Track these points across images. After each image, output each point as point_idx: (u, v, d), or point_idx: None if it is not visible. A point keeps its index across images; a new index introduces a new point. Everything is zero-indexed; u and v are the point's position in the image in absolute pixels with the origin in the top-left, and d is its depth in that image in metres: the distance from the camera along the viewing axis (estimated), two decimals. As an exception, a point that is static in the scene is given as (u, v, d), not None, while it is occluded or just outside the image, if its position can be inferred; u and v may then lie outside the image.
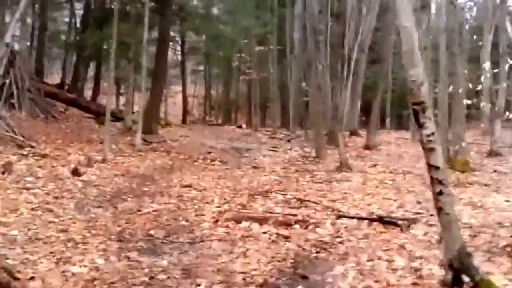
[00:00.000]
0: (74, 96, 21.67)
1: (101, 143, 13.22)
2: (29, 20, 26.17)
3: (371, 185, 10.39)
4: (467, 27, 28.54)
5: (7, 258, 4.68)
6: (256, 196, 8.75)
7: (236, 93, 40.45)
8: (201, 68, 42.93)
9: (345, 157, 12.50)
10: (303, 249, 5.86)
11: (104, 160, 10.72)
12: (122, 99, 37.36)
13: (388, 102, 32.20)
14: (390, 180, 11.21)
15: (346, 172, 12.10)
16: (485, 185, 10.47)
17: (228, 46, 26.17)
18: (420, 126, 4.56)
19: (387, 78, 19.16)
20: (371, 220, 7.24)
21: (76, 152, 11.91)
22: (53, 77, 34.52)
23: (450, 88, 14.12)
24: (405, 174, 12.19)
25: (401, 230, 6.96)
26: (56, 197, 7.48)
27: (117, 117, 20.56)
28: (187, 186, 9.34)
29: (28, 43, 26.74)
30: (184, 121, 30.90)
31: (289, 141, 20.42)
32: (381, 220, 7.22)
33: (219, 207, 7.84)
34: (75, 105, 21.07)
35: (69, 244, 5.35)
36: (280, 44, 28.55)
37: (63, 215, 6.60)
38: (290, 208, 7.96)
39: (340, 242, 6.17)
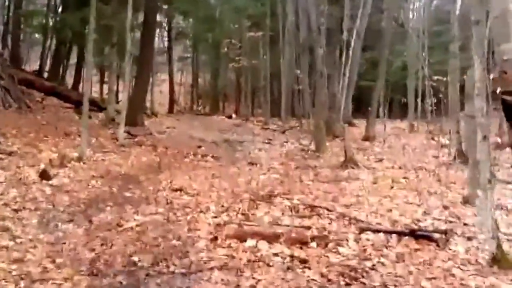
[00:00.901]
0: (52, 84, 20.07)
1: (79, 136, 11.81)
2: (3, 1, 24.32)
3: (383, 185, 9.15)
4: None
5: None
6: (258, 202, 7.45)
7: (224, 81, 38.96)
8: (189, 55, 41.53)
9: (351, 151, 11.24)
10: (328, 279, 4.59)
11: (80, 159, 9.32)
12: (106, 88, 36.10)
13: (381, 91, 31.04)
14: (403, 178, 10.01)
15: (352, 168, 10.87)
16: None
17: (218, 30, 24.72)
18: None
19: (383, 65, 17.75)
20: (401, 234, 5.99)
21: (49, 149, 10.49)
22: (34, 64, 32.83)
23: None
24: (417, 171, 11.00)
25: (438, 246, 5.74)
26: (16, 210, 6.10)
27: (99, 106, 19.09)
28: (177, 189, 8.00)
29: (2, 26, 24.96)
30: (170, 110, 29.44)
31: (283, 132, 19.16)
32: (413, 233, 5.98)
33: (216, 217, 6.53)
34: (53, 94, 19.51)
35: (22, 284, 4.00)
36: (271, 30, 27.20)
37: (21, 236, 5.24)
38: (300, 217, 6.67)
39: (372, 268, 4.91)
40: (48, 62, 27.13)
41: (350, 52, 18.09)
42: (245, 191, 8.30)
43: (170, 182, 8.51)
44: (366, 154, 14.04)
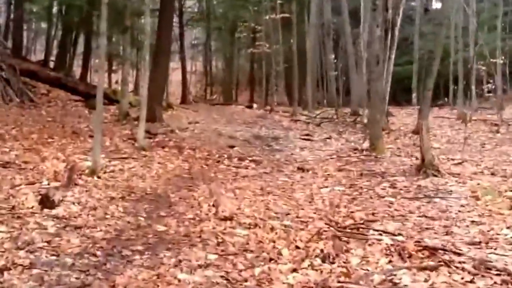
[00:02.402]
0: (58, 75, 18.00)
1: (90, 137, 9.73)
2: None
3: (495, 202, 6.95)
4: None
5: None
6: (343, 239, 5.30)
7: (237, 68, 36.67)
8: (200, 41, 39.34)
9: (430, 153, 9.02)
10: None
11: (93, 172, 7.19)
12: (114, 77, 33.97)
13: (414, 75, 28.68)
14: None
15: (434, 175, 8.66)
16: None
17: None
18: None
19: (439, 44, 15.41)
20: None
21: (54, 156, 8.39)
22: (40, 54, 30.75)
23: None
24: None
25: None
26: (1, 270, 3.99)
27: (110, 99, 17.03)
28: (226, 218, 5.87)
29: (4, 13, 22.88)
30: (183, 100, 27.18)
31: (318, 125, 16.95)
32: None
33: (296, 270, 4.41)
34: (60, 86, 17.48)
35: None
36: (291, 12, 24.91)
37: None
38: (419, 268, 4.50)
39: None
40: (55, 51, 25.09)
41: (396, 32, 15.78)
42: (315, 216, 6.18)
43: (213, 205, 6.36)
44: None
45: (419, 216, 6.37)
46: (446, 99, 26.71)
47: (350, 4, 23.55)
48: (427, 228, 5.86)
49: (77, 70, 24.68)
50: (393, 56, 15.91)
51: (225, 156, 10.20)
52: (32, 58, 27.15)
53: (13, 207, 5.52)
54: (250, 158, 10.14)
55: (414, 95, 28.41)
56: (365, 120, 17.88)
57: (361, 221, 6.02)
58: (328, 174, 9.04)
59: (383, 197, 7.34)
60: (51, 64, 22.48)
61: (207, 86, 35.34)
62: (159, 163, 8.93)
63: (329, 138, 13.68)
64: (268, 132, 14.92)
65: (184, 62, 29.23)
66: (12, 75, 15.02)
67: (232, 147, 11.47)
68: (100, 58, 7.15)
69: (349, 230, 5.67)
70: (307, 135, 14.24)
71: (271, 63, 24.78)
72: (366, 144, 11.75)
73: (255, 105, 24.45)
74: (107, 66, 35.17)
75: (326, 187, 8.00)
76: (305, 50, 22.99)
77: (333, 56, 25.14)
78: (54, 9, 24.48)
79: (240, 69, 37.85)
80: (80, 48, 24.88)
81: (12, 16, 21.22)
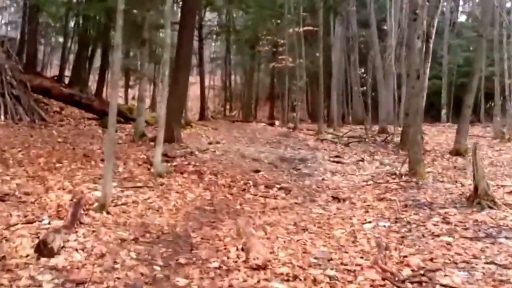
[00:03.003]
0: (71, 91, 17.24)
1: (102, 160, 8.83)
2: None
3: None
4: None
5: None
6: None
7: (257, 83, 35.78)
8: (219, 55, 38.66)
9: (484, 181, 7.90)
10: None
11: (102, 206, 6.23)
12: (131, 93, 33.32)
13: (444, 91, 27.50)
14: None
15: (490, 207, 7.56)
16: None
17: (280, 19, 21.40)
18: None
19: (479, 56, 14.29)
20: None
21: (60, 185, 7.48)
22: (56, 69, 30.21)
23: None
24: None
25: None
26: None
27: (126, 117, 16.25)
28: (257, 267, 4.86)
29: (19, 27, 22.30)
30: (201, 117, 26.26)
31: (347, 145, 15.89)
32: None
33: None
34: (73, 103, 16.73)
35: None
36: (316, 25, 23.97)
37: None
38: None
39: None
40: (71, 67, 24.45)
41: (431, 45, 14.76)
42: (363, 262, 5.15)
43: (242, 250, 5.36)
44: (467, 177, 10.76)
45: (487, 263, 5.30)
46: (478, 116, 25.48)
47: (378, 16, 22.66)
48: (501, 281, 4.81)
49: (93, 85, 24.03)
50: (427, 71, 14.91)
51: (251, 183, 9.19)
52: (48, 73, 26.60)
53: (4, 257, 4.56)
54: (278, 186, 9.12)
55: (443, 111, 27.20)
56: (396, 139, 16.86)
57: (420, 271, 4.98)
58: (368, 205, 7.99)
59: (438, 235, 6.26)
60: (67, 80, 21.82)
61: (226, 101, 34.50)
62: (177, 192, 7.96)
63: (362, 160, 12.60)
64: (293, 153, 13.90)
65: (203, 76, 28.40)
66: (23, 92, 14.30)
67: (257, 171, 10.47)
68: (114, 73, 6.22)
69: (410, 286, 4.63)
70: (336, 156, 13.19)
71: (293, 78, 23.92)
72: (404, 168, 10.66)
73: (277, 122, 23.54)
74: (124, 82, 34.70)
75: (369, 222, 6.95)
76: (329, 65, 22.05)
77: (361, 70, 24.08)
78: (71, 23, 23.95)
79: (260, 84, 36.99)
80: (97, 62, 24.24)
81: (26, 29, 20.61)
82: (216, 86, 46.30)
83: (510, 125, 17.79)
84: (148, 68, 16.70)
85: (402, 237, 6.25)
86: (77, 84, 20.16)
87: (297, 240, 5.94)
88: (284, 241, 5.87)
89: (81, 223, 5.66)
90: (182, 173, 9.36)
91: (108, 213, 6.22)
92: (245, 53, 31.65)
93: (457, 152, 13.77)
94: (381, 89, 21.90)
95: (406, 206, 7.94)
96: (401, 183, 9.77)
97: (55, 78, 21.59)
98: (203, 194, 8.13)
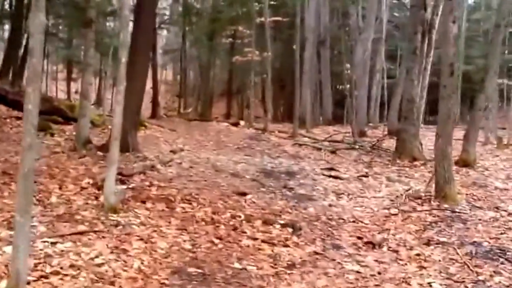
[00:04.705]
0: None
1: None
2: None
3: None
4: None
5: None
6: None
7: (213, 78, 33.03)
8: (170, 48, 35.84)
9: None
10: None
11: (16, 286, 3.50)
12: (74, 86, 29.92)
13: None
14: None
15: None
16: None
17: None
18: None
19: (495, 54, 12.20)
20: None
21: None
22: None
23: None
24: None
25: None
26: None
27: (66, 117, 13.33)
28: None
29: None
30: (153, 115, 23.21)
31: (334, 152, 13.53)
32: None
33: None
34: (-1, 99, 13.52)
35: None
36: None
37: None
38: None
39: None
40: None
41: (433, 36, 12.61)
42: None
43: None
44: (501, 198, 8.65)
45: None
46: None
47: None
48: None
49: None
50: (429, 66, 12.74)
51: (241, 216, 6.59)
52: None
53: None
54: (280, 220, 6.57)
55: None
56: (383, 145, 14.74)
57: None
58: (417, 255, 5.59)
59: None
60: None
61: (180, 97, 31.51)
62: (141, 239, 5.26)
63: (365, 176, 10.20)
64: (274, 163, 11.40)
65: (156, 70, 25.40)
66: None
67: (243, 194, 7.87)
68: (34, 56, 3.49)
69: None
70: (330, 169, 10.76)
71: (253, 74, 21.58)
72: (432, 187, 8.37)
73: (242, 122, 20.96)
74: (66, 74, 31.14)
75: (419, 284, 4.56)
76: (298, 60, 19.58)
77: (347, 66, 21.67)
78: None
79: (215, 79, 34.29)
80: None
81: None
82: (168, 81, 43.24)
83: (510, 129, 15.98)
84: (94, 57, 13.81)
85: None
86: (6, 76, 16.85)
87: None
88: None
89: None
90: (144, 202, 6.65)
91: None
92: (203, 44, 28.81)
93: (464, 162, 11.65)
94: (361, 89, 19.71)
95: (470, 255, 5.59)
96: (434, 211, 7.44)
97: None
98: (179, 240, 5.48)
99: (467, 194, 8.71)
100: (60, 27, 25.45)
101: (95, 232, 5.22)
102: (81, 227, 5.30)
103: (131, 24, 9.89)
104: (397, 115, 19.94)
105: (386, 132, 18.03)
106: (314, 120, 21.85)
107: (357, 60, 19.66)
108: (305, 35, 19.74)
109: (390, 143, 15.60)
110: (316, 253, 5.54)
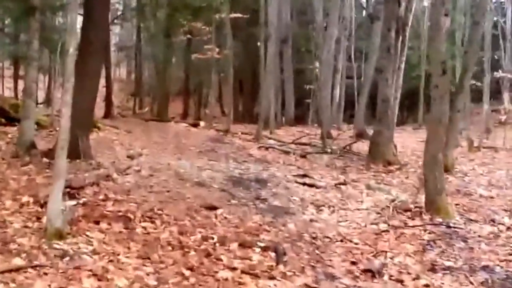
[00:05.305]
0: None
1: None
2: None
3: None
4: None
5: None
6: None
7: (169, 77, 31.77)
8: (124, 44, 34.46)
9: None
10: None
11: None
12: (21, 84, 28.01)
13: (421, 90, 24.52)
14: None
15: None
16: None
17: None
18: None
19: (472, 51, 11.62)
20: None
21: None
22: None
23: None
24: None
25: None
26: None
27: (10, 118, 12.07)
28: None
29: None
30: (107, 114, 21.81)
31: (304, 156, 12.71)
32: None
33: None
34: None
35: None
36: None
37: None
38: None
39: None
40: None
41: (407, 34, 11.98)
42: None
43: None
44: (491, 209, 8.02)
45: None
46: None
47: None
48: None
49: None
50: (403, 65, 12.10)
51: (214, 237, 5.61)
52: None
53: None
54: (260, 243, 5.61)
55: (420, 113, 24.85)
56: (354, 149, 14.06)
57: None
58: (427, 286, 4.75)
59: None
60: None
61: (135, 96, 30.07)
62: (94, 274, 4.20)
63: (344, 183, 9.36)
64: (241, 168, 10.45)
65: (109, 67, 23.99)
66: None
67: (212, 208, 6.88)
68: None
69: None
70: (304, 176, 9.89)
71: (212, 72, 20.64)
72: (409, 198, 7.63)
73: (202, 123, 19.90)
74: (13, 72, 29.21)
75: None
76: (257, 57, 18.61)
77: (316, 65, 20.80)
78: None
79: (172, 78, 33.03)
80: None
81: None
82: (122, 79, 41.57)
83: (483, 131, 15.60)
84: (42, 53, 12.49)
85: None
86: None
87: None
88: None
89: None
90: (97, 222, 5.57)
91: None
92: (159, 42, 27.50)
93: (444, 168, 11.01)
94: (326, 87, 18.99)
95: (486, 285, 4.81)
96: (428, 226, 6.68)
97: None
98: (141, 274, 4.44)
99: (456, 205, 8.02)
100: (6, 22, 23.78)
101: (34, 267, 4.12)
102: (17, 261, 4.20)
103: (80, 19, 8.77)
104: (363, 116, 19.45)
105: (353, 135, 17.41)
106: (277, 121, 21.01)
107: (322, 59, 18.97)
108: (268, 32, 18.80)
109: (359, 146, 14.97)
110: (308, 286, 4.62)
